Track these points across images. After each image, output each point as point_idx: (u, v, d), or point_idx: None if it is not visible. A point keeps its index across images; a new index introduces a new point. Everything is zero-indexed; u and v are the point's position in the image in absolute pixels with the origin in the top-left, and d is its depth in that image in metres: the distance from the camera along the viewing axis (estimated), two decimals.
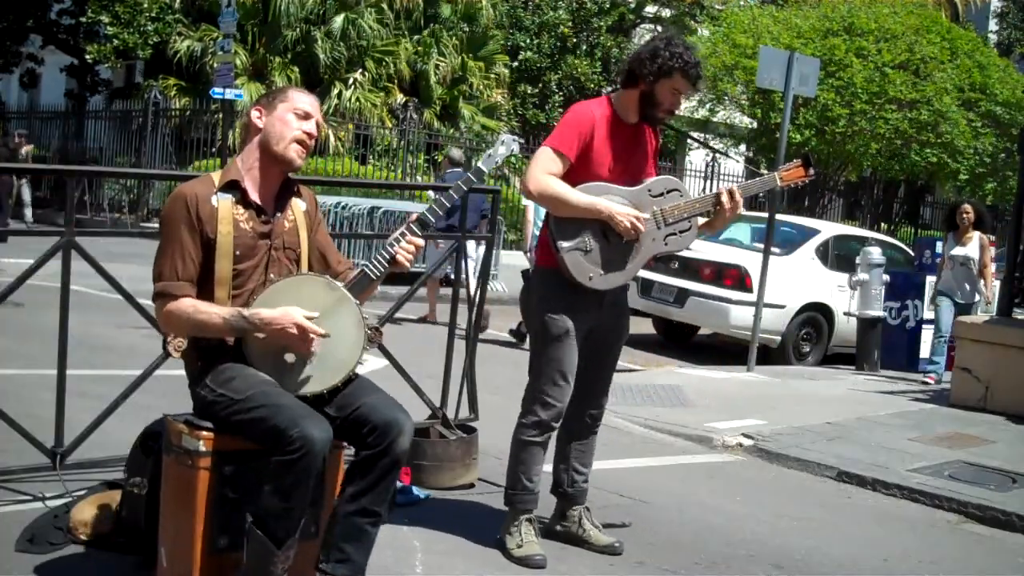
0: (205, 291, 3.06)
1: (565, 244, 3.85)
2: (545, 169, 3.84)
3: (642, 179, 4.01)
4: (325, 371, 3.06)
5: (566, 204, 3.83)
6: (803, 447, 6.21)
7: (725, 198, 3.96)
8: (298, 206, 3.25)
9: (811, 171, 4.11)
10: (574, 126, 3.89)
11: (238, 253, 3.07)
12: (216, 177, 3.14)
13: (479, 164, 3.40)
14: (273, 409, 2.88)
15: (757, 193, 4.34)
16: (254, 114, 3.15)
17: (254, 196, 3.13)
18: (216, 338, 3.06)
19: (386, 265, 3.15)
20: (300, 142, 3.13)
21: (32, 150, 18.32)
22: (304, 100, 3.18)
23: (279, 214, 3.18)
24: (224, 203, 3.07)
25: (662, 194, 3.98)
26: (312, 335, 2.99)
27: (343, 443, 3.15)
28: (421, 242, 3.18)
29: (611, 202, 3.85)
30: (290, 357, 3.05)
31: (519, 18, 23.58)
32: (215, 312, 3.00)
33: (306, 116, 3.14)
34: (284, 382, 3.03)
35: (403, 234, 3.16)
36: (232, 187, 3.11)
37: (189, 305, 3.00)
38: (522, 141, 3.71)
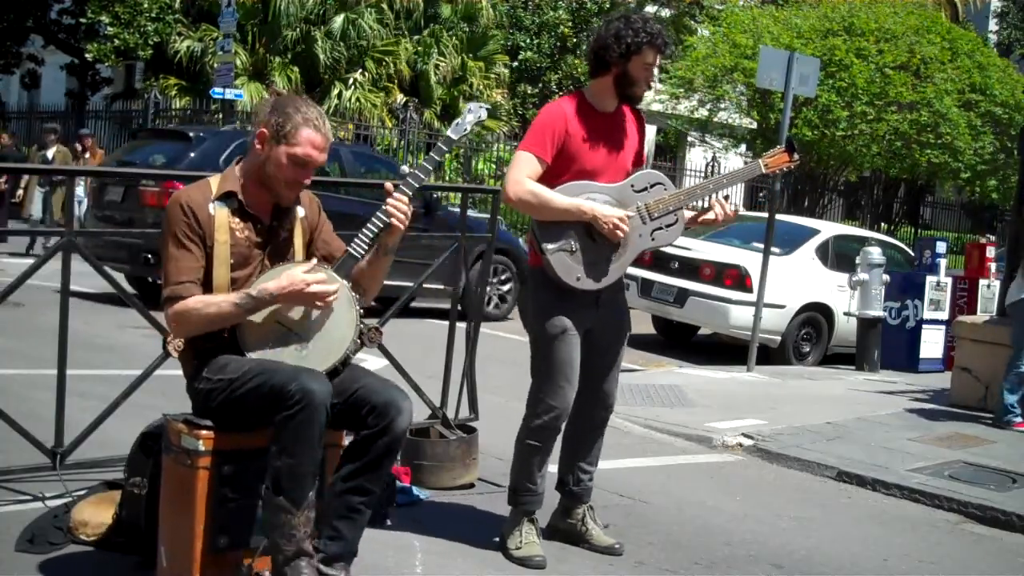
0: None
1: (550, 246, 3.83)
2: (523, 173, 3.80)
3: (629, 168, 3.98)
4: (323, 352, 3.07)
5: (548, 208, 3.80)
6: (803, 447, 6.20)
7: (718, 211, 3.93)
8: (295, 214, 3.25)
9: (795, 156, 4.06)
10: (545, 126, 3.85)
11: (233, 261, 3.09)
12: (214, 184, 3.13)
13: (448, 133, 3.39)
14: (269, 374, 2.92)
15: (743, 180, 4.29)
16: (257, 138, 3.10)
17: (250, 207, 3.13)
18: (211, 340, 3.07)
19: (374, 236, 3.15)
20: (292, 188, 3.13)
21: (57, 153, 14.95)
22: (311, 145, 3.08)
23: (275, 223, 3.19)
24: (221, 212, 3.08)
25: (645, 188, 3.94)
26: (324, 284, 3.00)
27: (340, 443, 3.16)
28: (407, 201, 3.16)
29: (594, 202, 3.83)
30: (287, 341, 3.06)
31: (519, 18, 23.58)
32: (224, 300, 3.02)
33: (305, 164, 3.09)
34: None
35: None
36: (229, 196, 3.11)
37: (198, 301, 3.02)
38: (488, 107, 3.67)
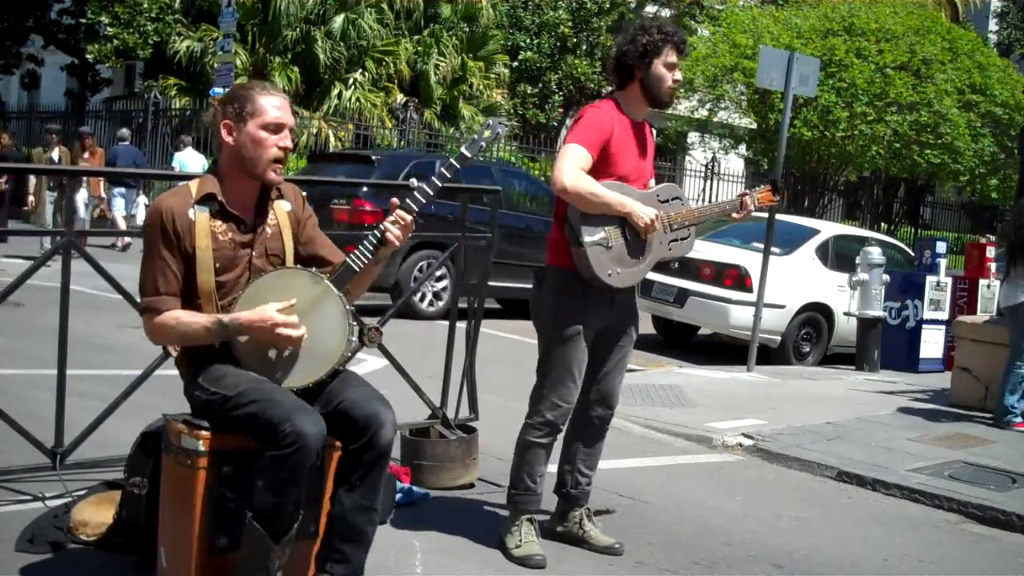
0: (191, 305, 3.05)
1: (589, 239, 3.85)
2: (577, 164, 3.83)
3: (649, 176, 4.08)
4: (312, 363, 3.06)
5: (597, 200, 3.81)
6: (803, 447, 6.20)
7: (749, 208, 4.17)
8: (281, 208, 3.20)
9: (776, 197, 4.28)
10: (596, 125, 3.89)
11: (218, 266, 3.05)
12: (194, 188, 3.09)
13: (463, 149, 3.34)
14: (266, 404, 2.89)
15: (729, 213, 4.32)
16: (223, 132, 3.07)
17: (231, 207, 3.10)
18: (204, 346, 3.06)
19: (373, 250, 3.11)
20: (279, 160, 3.09)
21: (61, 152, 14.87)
22: (274, 107, 3.07)
23: (259, 221, 3.15)
24: (201, 216, 3.04)
25: (667, 200, 4.05)
26: (292, 328, 2.97)
27: (334, 444, 3.16)
28: (409, 217, 3.11)
29: (632, 200, 3.89)
30: (274, 352, 3.05)
31: (519, 18, 23.57)
32: (197, 322, 3.00)
33: (278, 128, 3.07)
34: (272, 377, 3.03)
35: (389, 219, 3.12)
36: (209, 199, 3.07)
37: (171, 318, 3.00)
38: (506, 123, 3.60)
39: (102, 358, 6.78)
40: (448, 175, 3.24)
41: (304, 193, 3.35)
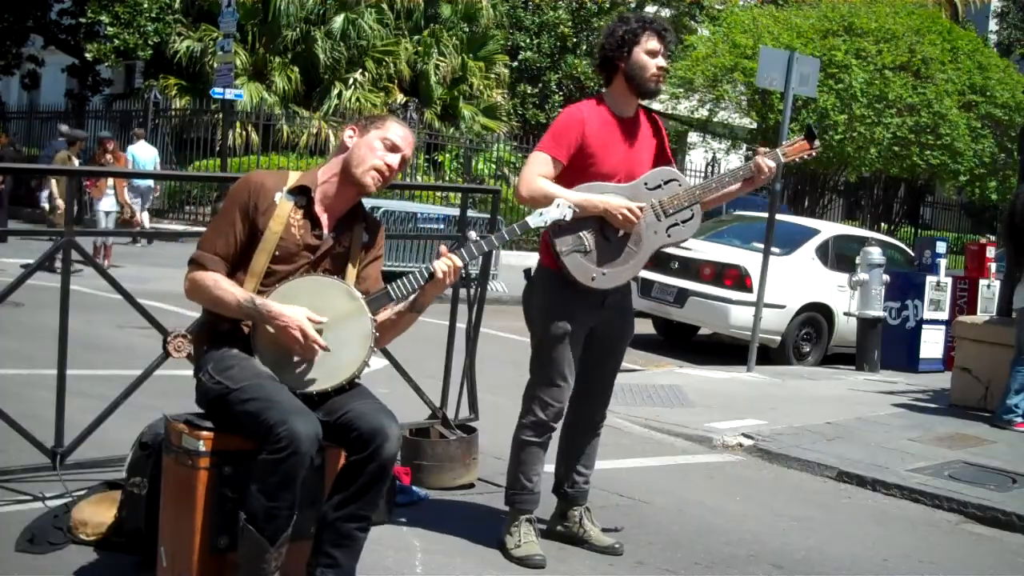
0: (236, 277, 3.11)
1: (564, 247, 3.83)
2: (536, 172, 3.82)
3: (642, 172, 3.98)
4: (322, 374, 3.07)
5: None
6: (803, 447, 6.20)
7: (765, 169, 3.93)
8: (359, 235, 3.25)
9: (816, 143, 4.02)
10: (563, 129, 3.88)
11: (278, 253, 3.11)
12: (293, 177, 3.19)
13: (527, 219, 3.41)
14: (265, 403, 2.90)
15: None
16: (347, 133, 3.23)
17: (318, 208, 3.16)
18: (227, 327, 3.10)
19: (418, 285, 3.15)
20: (379, 171, 3.16)
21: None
22: (398, 133, 3.21)
23: (334, 235, 3.19)
24: (285, 204, 3.12)
25: (659, 186, 3.95)
26: (312, 343, 3.01)
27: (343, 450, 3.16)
28: (460, 263, 3.18)
29: (605, 195, 3.83)
30: (294, 357, 3.06)
31: (519, 18, 23.59)
32: (232, 291, 3.05)
33: (393, 148, 3.18)
34: (282, 376, 3.04)
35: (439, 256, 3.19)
36: (302, 192, 3.15)
37: (211, 278, 3.07)
38: (576, 209, 3.66)
39: (102, 358, 6.78)
40: (507, 238, 3.43)
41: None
